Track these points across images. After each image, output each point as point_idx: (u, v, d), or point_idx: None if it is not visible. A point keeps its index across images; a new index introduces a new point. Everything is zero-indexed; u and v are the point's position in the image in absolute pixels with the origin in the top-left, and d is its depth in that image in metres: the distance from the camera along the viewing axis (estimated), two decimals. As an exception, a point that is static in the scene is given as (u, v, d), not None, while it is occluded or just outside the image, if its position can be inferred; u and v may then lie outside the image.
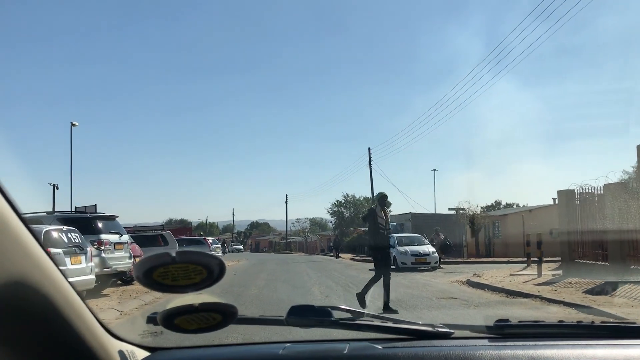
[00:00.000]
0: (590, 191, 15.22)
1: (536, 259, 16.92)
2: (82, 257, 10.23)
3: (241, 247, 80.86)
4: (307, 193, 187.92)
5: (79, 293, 1.16)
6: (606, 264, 13.75)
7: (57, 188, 32.91)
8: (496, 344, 1.56)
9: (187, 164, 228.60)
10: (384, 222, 9.68)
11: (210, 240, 31.53)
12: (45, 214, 12.25)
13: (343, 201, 61.82)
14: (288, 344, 1.61)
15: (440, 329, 1.63)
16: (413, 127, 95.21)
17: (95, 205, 30.07)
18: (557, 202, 34.72)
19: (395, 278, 17.89)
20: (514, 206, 53.55)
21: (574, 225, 15.43)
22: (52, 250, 9.37)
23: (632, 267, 12.79)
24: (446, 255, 25.01)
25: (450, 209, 35.96)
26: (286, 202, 77.66)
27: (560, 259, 16.95)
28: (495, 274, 16.94)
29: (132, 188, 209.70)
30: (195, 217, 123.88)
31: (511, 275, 16.13)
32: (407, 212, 37.30)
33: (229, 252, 66.73)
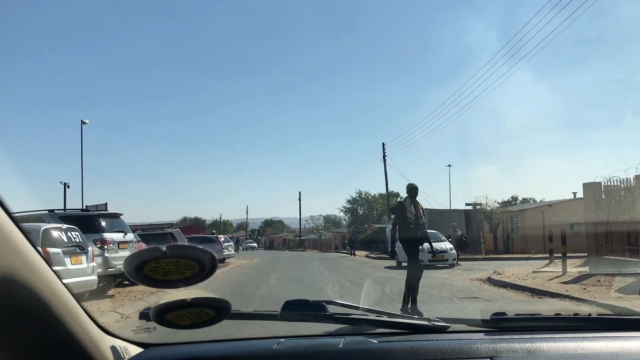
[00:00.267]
0: (618, 183, 14.44)
1: (559, 254, 16.26)
2: (83, 257, 9.74)
3: (255, 244, 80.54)
4: (320, 190, 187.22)
5: (70, 289, 1.16)
6: (637, 259, 12.99)
7: (69, 187, 32.82)
8: (493, 337, 1.53)
9: (202, 163, 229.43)
10: (414, 217, 8.85)
11: (222, 238, 30.99)
12: (47, 212, 11.79)
13: (357, 198, 61.22)
14: (283, 339, 1.58)
15: (436, 323, 1.61)
16: (427, 122, 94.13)
17: (106, 203, 29.81)
18: (577, 196, 34.07)
19: (412, 276, 17.40)
20: (530, 201, 52.53)
21: (601, 219, 14.65)
22: (51, 250, 8.91)
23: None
24: (463, 251, 24.28)
25: (467, 204, 35.19)
26: (299, 200, 77.44)
27: (585, 254, 16.19)
28: (517, 271, 16.22)
29: (147, 187, 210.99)
30: (209, 215, 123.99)
31: (534, 272, 15.39)
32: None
33: (244, 249, 66.56)
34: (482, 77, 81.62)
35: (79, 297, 1.20)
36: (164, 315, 1.19)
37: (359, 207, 61.32)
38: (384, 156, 40.56)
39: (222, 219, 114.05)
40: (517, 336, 1.53)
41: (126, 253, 12.09)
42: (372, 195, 61.60)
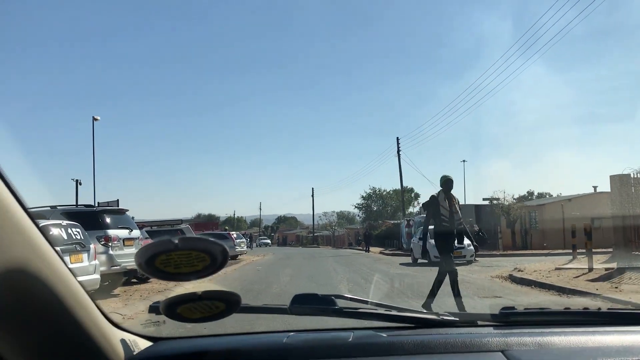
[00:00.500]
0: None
1: (582, 250, 15.59)
2: (84, 255, 9.28)
3: (269, 241, 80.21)
4: (334, 186, 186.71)
5: (82, 284, 1.17)
6: (669, 256, 12.27)
7: (80, 184, 32.66)
8: (502, 331, 1.53)
9: (216, 160, 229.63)
10: (448, 212, 8.25)
11: (235, 235, 30.58)
12: (49, 208, 11.36)
13: (372, 194, 60.57)
14: (292, 333, 1.59)
15: (445, 317, 1.62)
16: (440, 117, 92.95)
17: (118, 200, 29.52)
18: (597, 190, 33.16)
19: (429, 273, 16.67)
20: (546, 196, 51.56)
21: (629, 213, 13.90)
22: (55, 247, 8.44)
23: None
24: (480, 248, 23.55)
25: (484, 199, 34.39)
26: (312, 196, 77.10)
27: (609, 250, 15.47)
28: (539, 267, 15.54)
29: (160, 185, 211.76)
30: (223, 212, 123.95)
31: (557, 269, 14.71)
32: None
33: (257, 246, 66.21)
34: (496, 71, 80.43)
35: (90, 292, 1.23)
36: (174, 308, 1.19)
37: (373, 204, 60.67)
38: (398, 151, 39.89)
39: (235, 216, 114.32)
40: (527, 330, 1.52)
41: (132, 250, 11.63)
42: (386, 191, 60.92)
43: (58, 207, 11.40)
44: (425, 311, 1.69)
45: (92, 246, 9.59)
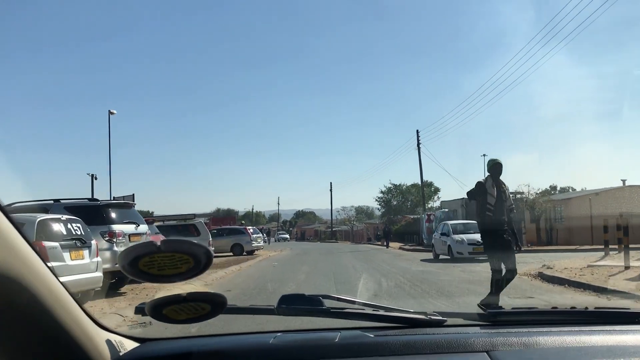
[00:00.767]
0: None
1: (614, 247, 14.70)
2: (85, 252, 8.70)
3: (287, 236, 79.80)
4: (352, 181, 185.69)
5: (63, 284, 1.15)
6: None
7: (96, 178, 32.47)
8: (489, 331, 1.54)
9: (235, 155, 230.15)
10: (497, 202, 7.38)
11: (251, 230, 30.03)
12: (52, 201, 10.83)
13: (392, 187, 59.64)
14: (279, 334, 1.59)
15: (433, 317, 1.62)
16: (460, 109, 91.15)
17: (133, 194, 29.17)
18: (626, 183, 31.93)
19: (453, 270, 15.97)
20: (570, 190, 50.21)
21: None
22: (47, 243, 7.89)
23: None
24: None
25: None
26: (331, 190, 76.53)
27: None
28: (569, 264, 14.63)
29: (180, 180, 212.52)
30: (242, 207, 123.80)
31: (589, 266, 13.80)
32: (460, 197, 34.81)
33: (276, 241, 65.77)
34: (517, 63, 78.37)
35: (75, 293, 1.29)
36: (159, 309, 1.20)
37: (393, 198, 59.75)
38: (418, 144, 38.85)
39: (254, 211, 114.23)
40: (513, 330, 1.51)
41: (138, 246, 11.03)
42: (405, 185, 59.98)
43: (61, 201, 10.86)
44: (412, 311, 1.66)
45: (94, 242, 9.02)
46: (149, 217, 18.66)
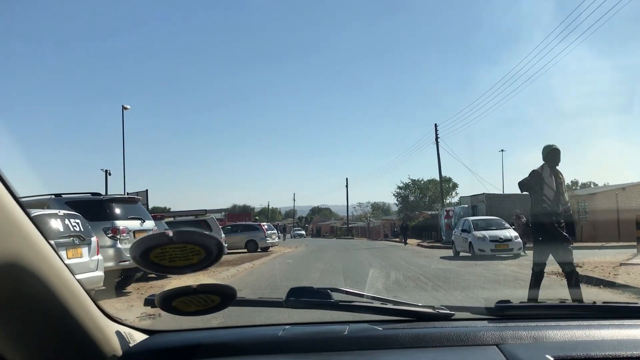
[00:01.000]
0: None
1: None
2: (84, 249, 8.15)
3: (303, 232, 79.18)
4: (368, 177, 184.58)
5: (74, 274, 1.16)
6: None
7: (110, 174, 32.16)
8: (497, 324, 1.54)
9: (251, 151, 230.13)
10: (554, 194, 6.74)
11: (266, 226, 29.48)
12: (53, 196, 10.30)
13: (410, 183, 58.66)
14: (287, 326, 1.59)
15: (441, 311, 1.62)
16: (478, 104, 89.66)
17: (147, 190, 28.80)
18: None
19: (475, 268, 15.19)
20: (591, 185, 48.97)
21: None
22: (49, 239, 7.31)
23: None
24: (528, 240, 21.78)
25: (530, 188, 32.24)
26: (346, 186, 75.81)
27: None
28: (599, 262, 13.82)
29: (197, 176, 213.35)
30: (258, 203, 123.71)
31: (622, 264, 12.97)
32: (479, 192, 33.84)
33: (292, 237, 65.21)
34: (537, 55, 76.69)
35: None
36: (169, 301, 1.20)
37: (410, 194, 58.79)
38: (437, 138, 37.91)
39: (270, 207, 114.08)
40: (522, 323, 1.52)
41: (144, 244, 10.45)
42: (423, 181, 58.99)
43: (63, 196, 10.32)
44: (420, 305, 1.65)
45: (94, 239, 8.45)
46: (157, 213, 18.20)
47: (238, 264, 17.21)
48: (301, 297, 1.56)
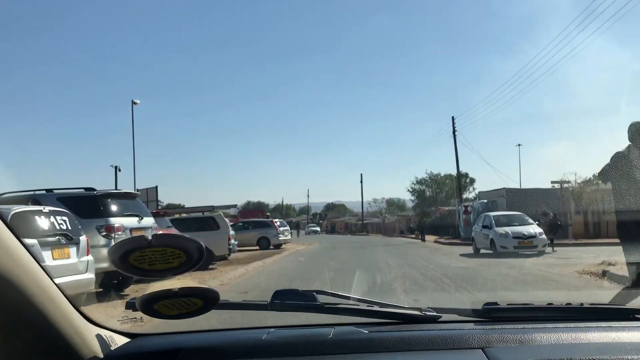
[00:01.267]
0: None
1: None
2: (72, 249, 7.39)
3: (318, 229, 78.48)
4: (383, 172, 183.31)
5: (51, 277, 1.15)
6: None
7: (120, 170, 31.74)
8: (484, 327, 1.53)
9: (265, 147, 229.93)
10: None
11: (278, 223, 28.76)
12: (44, 192, 9.59)
13: (427, 178, 57.59)
14: (272, 329, 1.58)
15: (428, 313, 1.60)
16: (494, 97, 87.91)
17: (156, 186, 28.28)
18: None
19: (499, 267, 14.24)
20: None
21: None
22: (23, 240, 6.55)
23: None
24: (556, 237, 20.73)
25: (553, 182, 31.15)
26: (361, 182, 74.98)
27: None
28: (635, 261, 12.79)
29: (212, 172, 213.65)
30: (272, 199, 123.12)
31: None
32: (499, 187, 32.75)
33: (306, 233, 64.49)
34: (556, 47, 74.83)
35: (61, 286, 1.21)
36: (150, 305, 1.21)
37: (427, 189, 57.71)
38: (454, 131, 36.77)
39: (284, 203, 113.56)
40: (509, 326, 1.51)
41: (142, 242, 9.69)
42: (440, 175, 57.91)
43: (54, 191, 9.59)
44: (407, 307, 1.64)
45: (83, 238, 7.69)
46: (160, 210, 17.54)
47: (248, 263, 16.49)
48: (286, 299, 1.55)
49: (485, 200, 32.46)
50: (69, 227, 7.45)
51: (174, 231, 12.25)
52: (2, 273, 0.96)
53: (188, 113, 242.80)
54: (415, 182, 58.53)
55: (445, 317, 1.60)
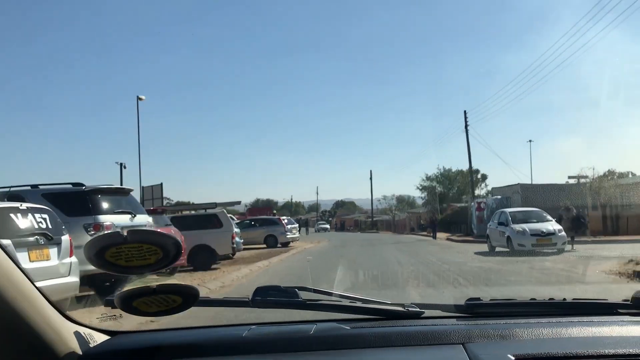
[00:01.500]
0: None
1: None
2: (52, 250, 6.70)
3: (327, 226, 77.76)
4: (392, 169, 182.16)
5: (26, 274, 1.11)
6: None
7: (125, 167, 31.27)
8: (466, 322, 1.54)
9: (274, 144, 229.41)
10: None
11: (286, 220, 28.09)
12: (29, 187, 8.92)
13: (438, 174, 56.54)
14: (253, 326, 1.57)
15: (411, 309, 1.60)
16: (504, 93, 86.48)
17: (162, 183, 27.65)
18: None
19: (519, 266, 13.43)
20: (630, 175, 46.48)
21: None
22: (-4, 240, 5.87)
23: None
24: (577, 234, 19.82)
25: (570, 177, 30.20)
26: (371, 179, 74.14)
27: None
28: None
29: (221, 170, 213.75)
30: (281, 197, 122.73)
31: None
32: (512, 183, 31.83)
33: (316, 231, 63.78)
34: (568, 40, 73.34)
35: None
36: (129, 302, 1.17)
37: (438, 185, 56.70)
38: (466, 126, 35.81)
39: (293, 201, 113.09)
40: (491, 321, 1.51)
41: (135, 242, 8.98)
42: (452, 171, 56.87)
43: (40, 187, 8.92)
44: (390, 302, 1.62)
45: (65, 238, 7.00)
46: (158, 207, 16.89)
47: (253, 262, 15.80)
48: (268, 296, 1.52)
49: (499, 197, 31.58)
50: (49, 226, 6.76)
51: (172, 230, 11.54)
52: None
53: (195, 109, 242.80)
54: (425, 178, 57.53)
55: (428, 312, 1.59)
